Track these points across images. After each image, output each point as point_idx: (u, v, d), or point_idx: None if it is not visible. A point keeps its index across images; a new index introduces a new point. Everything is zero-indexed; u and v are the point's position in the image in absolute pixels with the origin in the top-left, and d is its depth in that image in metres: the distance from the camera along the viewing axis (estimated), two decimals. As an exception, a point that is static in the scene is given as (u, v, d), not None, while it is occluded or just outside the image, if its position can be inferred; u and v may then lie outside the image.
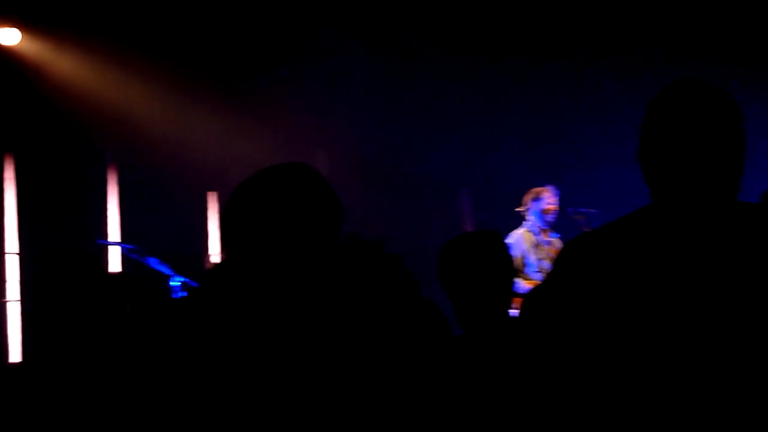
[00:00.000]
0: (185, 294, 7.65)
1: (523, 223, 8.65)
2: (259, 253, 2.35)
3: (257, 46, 9.69)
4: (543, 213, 8.60)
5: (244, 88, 10.06)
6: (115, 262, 9.10)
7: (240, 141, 9.85)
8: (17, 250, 8.55)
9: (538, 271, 8.33)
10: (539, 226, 8.62)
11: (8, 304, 8.35)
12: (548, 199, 8.64)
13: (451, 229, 9.13)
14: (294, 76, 10.08)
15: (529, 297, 3.59)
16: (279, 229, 2.35)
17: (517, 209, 8.69)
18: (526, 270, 8.42)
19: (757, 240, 2.23)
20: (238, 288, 2.35)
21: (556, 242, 8.64)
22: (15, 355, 7.97)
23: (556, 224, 8.75)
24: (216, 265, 2.45)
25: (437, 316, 2.49)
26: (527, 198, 8.71)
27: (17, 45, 8.78)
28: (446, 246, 3.51)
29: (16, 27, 8.75)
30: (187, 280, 7.78)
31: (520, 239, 8.53)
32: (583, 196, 9.43)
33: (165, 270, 7.77)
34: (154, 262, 7.74)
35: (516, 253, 8.25)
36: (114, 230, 9.42)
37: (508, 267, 3.52)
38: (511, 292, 3.53)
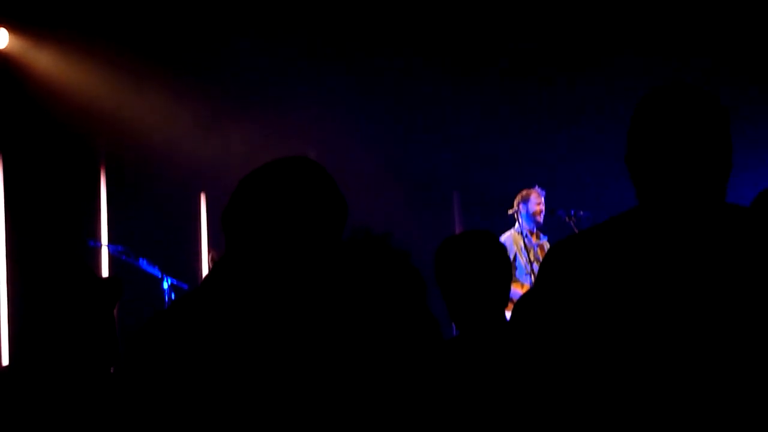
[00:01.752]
0: (174, 295, 7.62)
1: (514, 225, 8.64)
2: (263, 249, 2.29)
3: (248, 47, 9.64)
4: (532, 215, 8.59)
5: (235, 89, 9.98)
6: (105, 264, 9.05)
7: (231, 141, 9.79)
8: (5, 252, 8.47)
9: (528, 273, 8.30)
10: (529, 229, 8.61)
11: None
12: (536, 200, 8.62)
13: (443, 231, 9.08)
14: (285, 76, 10.04)
15: (519, 303, 3.52)
16: (284, 225, 2.29)
17: (508, 211, 8.67)
18: (516, 273, 8.37)
19: (743, 242, 2.23)
20: (242, 285, 2.29)
21: (546, 245, 8.61)
22: (4, 358, 7.91)
23: (548, 226, 8.73)
24: (219, 262, 2.38)
25: (432, 322, 2.46)
26: (516, 200, 8.70)
27: (5, 46, 8.73)
28: (443, 245, 3.46)
29: (3, 27, 8.68)
30: (177, 281, 7.74)
31: (509, 241, 8.49)
32: (574, 198, 9.44)
33: (155, 272, 7.72)
34: (144, 264, 7.69)
35: (506, 255, 8.21)
36: (104, 231, 9.36)
37: (506, 267, 3.46)
38: (507, 293, 3.46)
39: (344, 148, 9.82)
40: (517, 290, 8.04)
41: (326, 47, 9.81)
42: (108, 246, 8.36)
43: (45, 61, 9.02)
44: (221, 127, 9.92)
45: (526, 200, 8.64)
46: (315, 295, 2.29)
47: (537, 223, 8.60)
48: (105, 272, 8.89)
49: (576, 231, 8.40)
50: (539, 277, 2.41)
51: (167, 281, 7.66)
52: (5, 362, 7.89)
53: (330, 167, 2.43)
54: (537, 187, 8.72)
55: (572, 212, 8.52)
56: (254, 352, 2.21)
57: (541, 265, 2.43)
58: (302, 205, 2.31)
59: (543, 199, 8.65)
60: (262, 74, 9.95)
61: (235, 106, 10.01)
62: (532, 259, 8.33)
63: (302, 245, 2.30)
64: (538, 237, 8.66)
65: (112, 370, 3.06)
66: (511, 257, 8.37)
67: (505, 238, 8.48)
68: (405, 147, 10.68)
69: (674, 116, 2.29)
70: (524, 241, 8.44)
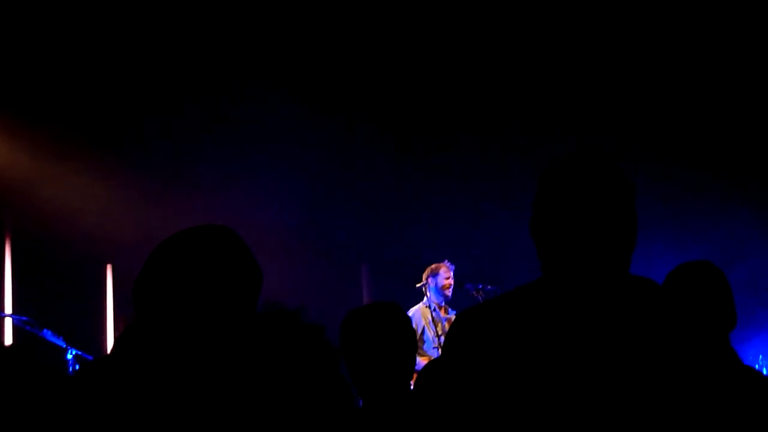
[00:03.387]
0: (78, 366, 7.52)
1: (423, 299, 8.70)
2: (174, 318, 2.26)
3: (158, 113, 9.74)
4: (441, 289, 8.67)
5: (143, 159, 10.01)
6: (9, 334, 8.92)
7: (139, 212, 9.78)
8: None
9: (436, 347, 8.36)
10: (437, 302, 8.67)
11: None
12: (445, 274, 8.71)
13: (351, 304, 9.08)
14: (194, 147, 10.13)
15: (423, 372, 3.54)
16: (197, 293, 2.27)
17: (417, 285, 8.72)
18: (424, 347, 8.46)
19: (641, 314, 2.22)
20: (151, 355, 2.25)
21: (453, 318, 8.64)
22: None
23: (456, 300, 8.80)
24: (127, 330, 2.34)
25: (346, 392, 2.47)
26: (425, 274, 8.77)
27: None
28: (348, 316, 3.48)
29: None
30: (82, 353, 7.65)
31: (417, 315, 8.56)
32: (483, 273, 9.51)
33: (59, 343, 7.63)
34: (48, 335, 7.60)
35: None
36: (8, 301, 9.24)
37: (410, 338, 3.48)
38: (412, 364, 3.49)
39: (252, 218, 9.79)
40: (425, 363, 8.08)
41: (234, 116, 9.98)
42: (12, 316, 8.25)
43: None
44: (130, 197, 9.90)
45: (435, 274, 8.73)
46: (226, 367, 2.27)
47: (445, 297, 8.70)
48: (8, 343, 8.76)
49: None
50: (444, 346, 2.38)
51: (71, 352, 7.57)
52: None
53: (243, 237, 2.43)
54: (446, 261, 8.83)
55: (480, 286, 8.64)
56: (158, 426, 2.18)
57: (447, 334, 2.38)
58: (217, 273, 2.29)
59: (452, 273, 8.75)
60: (172, 145, 10.02)
61: (145, 177, 10.01)
62: (440, 332, 8.38)
63: (215, 315, 2.27)
64: (446, 311, 8.73)
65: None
66: (419, 331, 8.44)
67: (414, 311, 8.55)
68: (315, 219, 10.76)
69: (578, 186, 2.27)
70: (432, 315, 8.51)
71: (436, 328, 8.43)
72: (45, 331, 7.61)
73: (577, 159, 2.33)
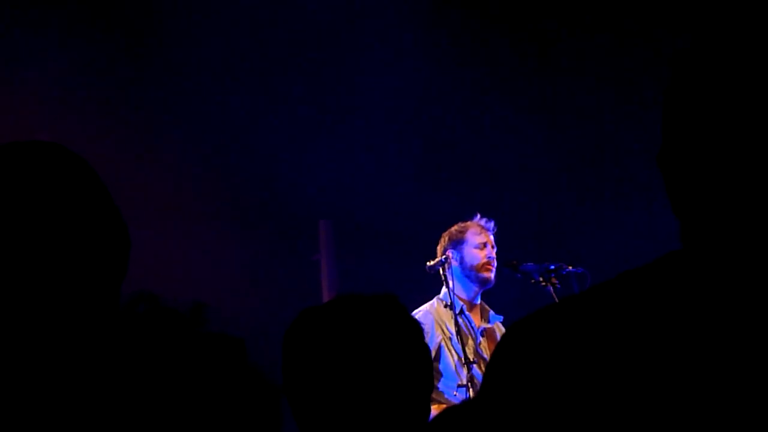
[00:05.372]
0: None
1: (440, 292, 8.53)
2: None
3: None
4: (473, 269, 8.58)
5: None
6: None
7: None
8: None
9: (464, 386, 8.14)
10: (466, 297, 8.59)
11: None
12: (478, 238, 8.64)
13: (303, 297, 9.18)
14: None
15: (437, 421, 3.48)
16: (9, 257, 2.36)
17: (428, 264, 8.61)
18: (440, 383, 8.27)
19: None
20: None
21: (499, 329, 8.49)
22: None
23: (506, 296, 8.71)
24: None
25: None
26: (441, 242, 8.78)
27: None
28: (296, 323, 3.56)
29: None
30: None
31: (428, 321, 8.40)
32: (555, 246, 9.50)
33: None
34: None
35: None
36: None
37: (421, 365, 3.54)
38: (426, 409, 3.53)
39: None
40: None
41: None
42: None
43: None
44: None
45: (459, 241, 8.65)
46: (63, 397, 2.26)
47: (481, 284, 8.50)
48: None
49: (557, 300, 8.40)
50: (486, 384, 2.25)
51: None
52: None
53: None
54: (479, 217, 8.68)
55: (552, 267, 8.46)
56: None
57: (491, 362, 2.28)
58: (44, 224, 2.41)
59: (492, 238, 8.54)
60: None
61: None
62: (470, 356, 8.25)
63: (43, 294, 2.37)
64: (484, 316, 8.54)
65: None
66: (432, 351, 8.18)
67: (422, 314, 8.44)
68: (252, 159, 11.70)
69: (752, 74, 2.16)
70: (456, 321, 8.30)
71: (461, 346, 8.24)
72: None
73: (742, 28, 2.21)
